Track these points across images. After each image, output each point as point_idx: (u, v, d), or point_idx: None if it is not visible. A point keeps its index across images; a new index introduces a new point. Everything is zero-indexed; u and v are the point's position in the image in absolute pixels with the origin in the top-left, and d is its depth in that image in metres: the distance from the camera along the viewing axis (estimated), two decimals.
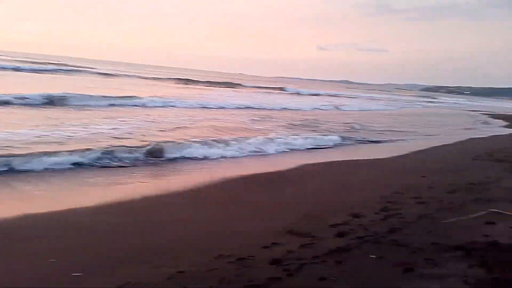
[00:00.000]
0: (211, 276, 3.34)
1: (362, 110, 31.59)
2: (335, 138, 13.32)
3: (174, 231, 4.72)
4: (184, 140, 10.00)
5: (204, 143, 9.66)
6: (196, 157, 8.98)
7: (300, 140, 12.10)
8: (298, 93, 50.18)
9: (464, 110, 47.92)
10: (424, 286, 3.03)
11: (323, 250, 3.86)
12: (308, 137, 12.66)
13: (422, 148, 13.97)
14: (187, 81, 48.74)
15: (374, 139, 14.74)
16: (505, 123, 28.99)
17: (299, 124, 17.34)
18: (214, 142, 9.92)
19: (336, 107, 31.03)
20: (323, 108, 28.93)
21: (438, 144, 15.30)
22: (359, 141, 14.01)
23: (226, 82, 55.20)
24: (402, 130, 18.85)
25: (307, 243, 4.15)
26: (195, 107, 20.62)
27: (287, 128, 15.61)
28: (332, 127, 17.45)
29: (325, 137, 13.29)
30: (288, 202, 6.13)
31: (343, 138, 13.64)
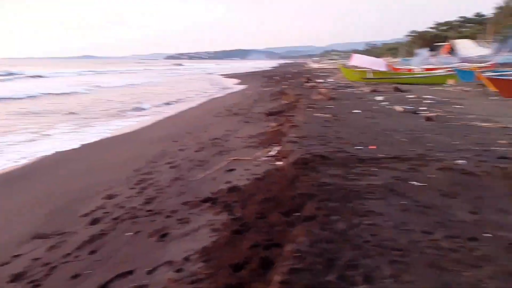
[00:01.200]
0: None
1: (131, 85, 30.24)
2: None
3: None
4: None
5: None
6: None
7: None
8: (39, 76, 41.80)
9: (205, 73, 52.92)
10: (177, 247, 3.17)
11: (74, 245, 3.53)
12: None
13: (172, 113, 14.76)
14: None
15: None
16: (237, 81, 33.66)
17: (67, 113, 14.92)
18: None
19: (98, 86, 28.42)
20: (82, 91, 24.40)
21: (186, 108, 16.48)
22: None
23: None
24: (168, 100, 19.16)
25: (56, 243, 3.69)
26: None
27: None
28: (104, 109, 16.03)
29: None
30: (31, 200, 5.30)
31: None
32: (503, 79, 12.63)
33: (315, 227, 2.65)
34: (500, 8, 40.40)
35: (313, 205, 3.06)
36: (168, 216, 4.00)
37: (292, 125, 7.09)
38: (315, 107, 9.64)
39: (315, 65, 55.70)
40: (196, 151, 7.80)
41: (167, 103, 18.06)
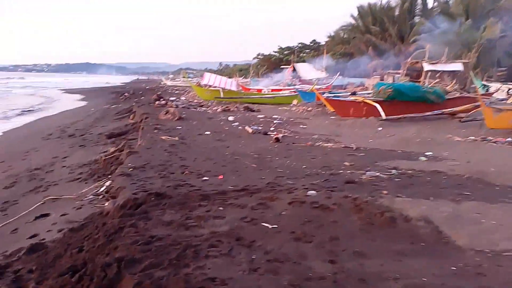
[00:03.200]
0: None
1: None
2: None
3: None
4: None
5: None
6: None
7: None
8: None
9: (41, 87, 46.54)
10: None
11: None
12: None
13: None
14: None
15: None
16: (80, 97, 30.33)
17: None
18: None
19: None
20: None
21: (7, 129, 13.65)
22: None
23: None
24: None
25: None
26: None
27: None
28: None
29: None
30: None
31: None
32: (338, 100, 13.77)
33: None
34: (331, 37, 46.14)
35: (133, 280, 2.16)
36: None
37: (131, 151, 6.03)
38: (162, 129, 8.72)
39: (169, 82, 54.47)
40: (4, 188, 6.06)
41: None
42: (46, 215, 4.36)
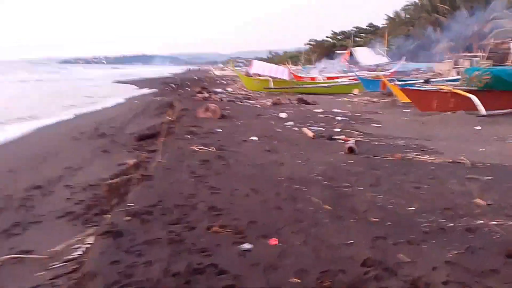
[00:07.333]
0: None
1: None
2: None
3: None
4: None
5: None
6: None
7: None
8: None
9: (97, 79, 46.94)
10: None
11: None
12: None
13: (20, 135, 10.94)
14: None
15: None
16: (135, 87, 29.69)
17: None
18: None
19: None
20: None
21: (40, 126, 12.57)
22: None
23: None
24: None
25: None
26: None
27: None
28: None
29: None
30: None
31: None
32: (418, 89, 11.20)
33: None
34: (392, 18, 42.24)
35: None
36: None
37: (144, 176, 4.18)
38: (197, 132, 6.86)
39: (218, 72, 53.15)
40: None
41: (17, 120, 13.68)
42: None
